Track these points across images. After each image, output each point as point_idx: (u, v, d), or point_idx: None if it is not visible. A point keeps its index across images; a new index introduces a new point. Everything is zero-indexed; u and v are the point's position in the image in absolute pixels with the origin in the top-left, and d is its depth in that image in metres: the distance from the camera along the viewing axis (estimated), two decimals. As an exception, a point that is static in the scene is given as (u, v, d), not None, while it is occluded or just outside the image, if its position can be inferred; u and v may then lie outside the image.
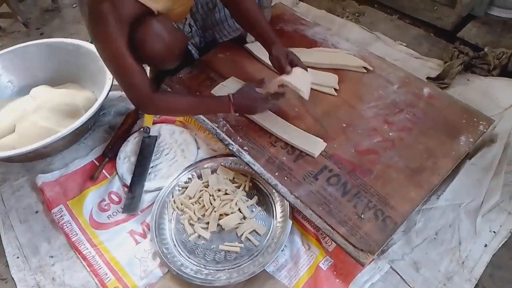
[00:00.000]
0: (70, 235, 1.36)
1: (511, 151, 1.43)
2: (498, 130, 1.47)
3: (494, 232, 1.28)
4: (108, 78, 1.58)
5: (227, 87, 1.55)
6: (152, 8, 1.23)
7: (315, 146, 1.37)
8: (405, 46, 1.85)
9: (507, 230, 1.28)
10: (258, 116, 1.46)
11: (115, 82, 1.45)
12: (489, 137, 1.46)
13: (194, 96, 1.52)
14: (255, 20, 1.39)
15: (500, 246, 1.25)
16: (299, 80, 1.33)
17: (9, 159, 1.53)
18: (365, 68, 1.59)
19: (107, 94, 1.56)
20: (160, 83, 1.69)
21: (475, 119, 1.40)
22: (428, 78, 1.66)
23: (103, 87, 1.57)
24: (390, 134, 1.40)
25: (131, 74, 1.21)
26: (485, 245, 1.25)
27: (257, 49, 1.70)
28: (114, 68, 1.23)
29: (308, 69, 1.57)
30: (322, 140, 1.39)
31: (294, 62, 1.37)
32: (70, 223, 1.39)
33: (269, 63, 1.50)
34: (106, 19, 1.10)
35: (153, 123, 1.64)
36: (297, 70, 1.35)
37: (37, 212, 1.46)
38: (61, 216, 1.40)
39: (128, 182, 1.47)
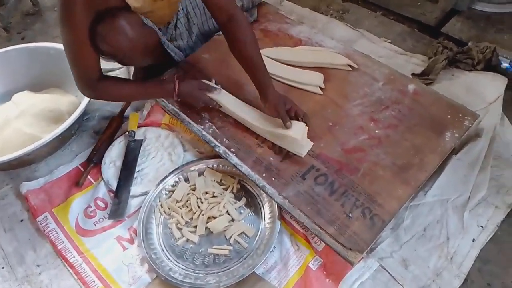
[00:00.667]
0: (56, 243, 1.34)
1: (496, 145, 1.44)
2: (483, 124, 1.48)
3: (482, 226, 1.28)
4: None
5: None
6: (129, 3, 1.23)
7: (301, 146, 1.36)
8: (390, 42, 1.85)
9: (494, 224, 1.29)
10: (245, 115, 1.44)
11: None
12: (475, 132, 1.46)
13: (140, 81, 1.51)
14: (250, 58, 1.33)
15: (487, 240, 1.26)
16: (297, 133, 1.30)
17: (-8, 167, 1.51)
18: (350, 66, 1.58)
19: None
20: None
21: (460, 114, 1.41)
22: (413, 74, 1.66)
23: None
24: (376, 131, 1.40)
25: (85, 61, 1.25)
26: (473, 240, 1.26)
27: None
28: (71, 53, 1.23)
29: (294, 68, 1.58)
30: (309, 140, 1.38)
31: (293, 111, 1.33)
32: (56, 231, 1.37)
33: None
34: (75, 5, 1.11)
35: (138, 127, 1.62)
36: (296, 125, 1.32)
37: (22, 220, 1.44)
38: (46, 224, 1.38)
39: (114, 187, 1.45)
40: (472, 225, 1.29)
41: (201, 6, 1.62)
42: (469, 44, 1.71)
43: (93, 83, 1.29)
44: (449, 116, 1.41)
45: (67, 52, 1.23)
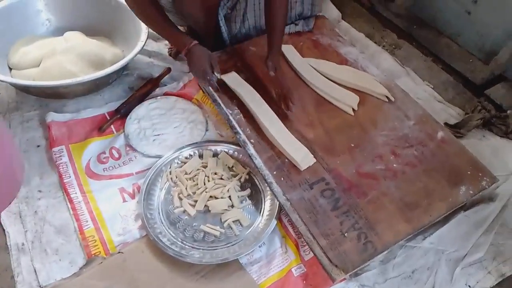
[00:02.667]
0: (63, 176, 1.38)
1: (507, 214, 1.42)
2: (500, 190, 1.47)
3: (469, 286, 1.28)
4: (141, 40, 1.62)
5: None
6: None
7: (303, 158, 1.38)
8: (431, 88, 1.86)
9: (482, 288, 1.28)
10: (260, 112, 1.49)
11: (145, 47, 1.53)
12: (489, 195, 1.45)
13: (168, 22, 1.51)
14: (276, 20, 1.48)
15: (471, 301, 1.25)
16: (294, 149, 1.40)
17: (27, 89, 1.57)
18: (387, 97, 1.60)
19: (135, 55, 1.59)
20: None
21: (480, 174, 1.40)
22: (445, 123, 1.67)
23: (133, 48, 1.61)
24: (394, 165, 1.40)
25: None
26: (457, 296, 1.25)
27: (289, 52, 1.73)
28: None
29: (333, 83, 1.61)
30: (312, 156, 1.40)
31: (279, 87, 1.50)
32: (66, 165, 1.41)
33: (298, 68, 1.58)
34: None
35: (170, 95, 1.68)
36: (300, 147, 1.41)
37: (38, 146, 1.49)
38: (60, 156, 1.43)
39: (132, 143, 1.49)
40: (460, 282, 1.28)
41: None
42: (508, 112, 1.70)
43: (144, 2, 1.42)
44: (468, 172, 1.40)
45: None
